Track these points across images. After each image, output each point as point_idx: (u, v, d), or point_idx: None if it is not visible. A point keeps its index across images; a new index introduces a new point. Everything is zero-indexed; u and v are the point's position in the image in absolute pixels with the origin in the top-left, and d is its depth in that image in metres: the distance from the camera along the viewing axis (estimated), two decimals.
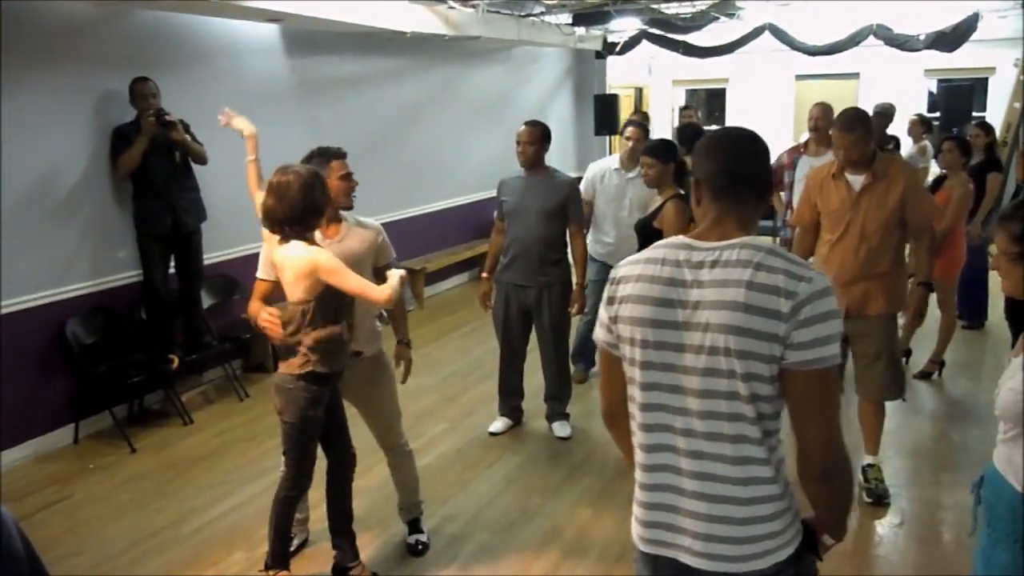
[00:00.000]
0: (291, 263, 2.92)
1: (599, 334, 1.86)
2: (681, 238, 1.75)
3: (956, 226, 5.45)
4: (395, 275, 2.94)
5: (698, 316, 1.64)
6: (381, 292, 2.89)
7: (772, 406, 1.65)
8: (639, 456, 1.79)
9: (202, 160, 5.19)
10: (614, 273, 1.83)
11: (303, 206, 2.87)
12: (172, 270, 5.33)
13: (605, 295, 1.84)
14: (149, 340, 5.20)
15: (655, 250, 1.76)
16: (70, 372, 4.90)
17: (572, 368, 5.50)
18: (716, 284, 1.63)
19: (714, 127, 6.21)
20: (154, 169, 5.02)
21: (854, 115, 3.73)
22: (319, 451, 3.26)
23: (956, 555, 3.45)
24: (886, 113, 7.31)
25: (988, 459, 2.15)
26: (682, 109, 9.43)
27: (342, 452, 3.34)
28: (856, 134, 3.66)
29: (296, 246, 2.92)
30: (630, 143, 5.16)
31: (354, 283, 2.88)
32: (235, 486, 4.30)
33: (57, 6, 4.71)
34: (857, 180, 3.73)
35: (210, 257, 5.51)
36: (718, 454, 1.66)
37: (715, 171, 1.74)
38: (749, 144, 1.76)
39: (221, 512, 4.07)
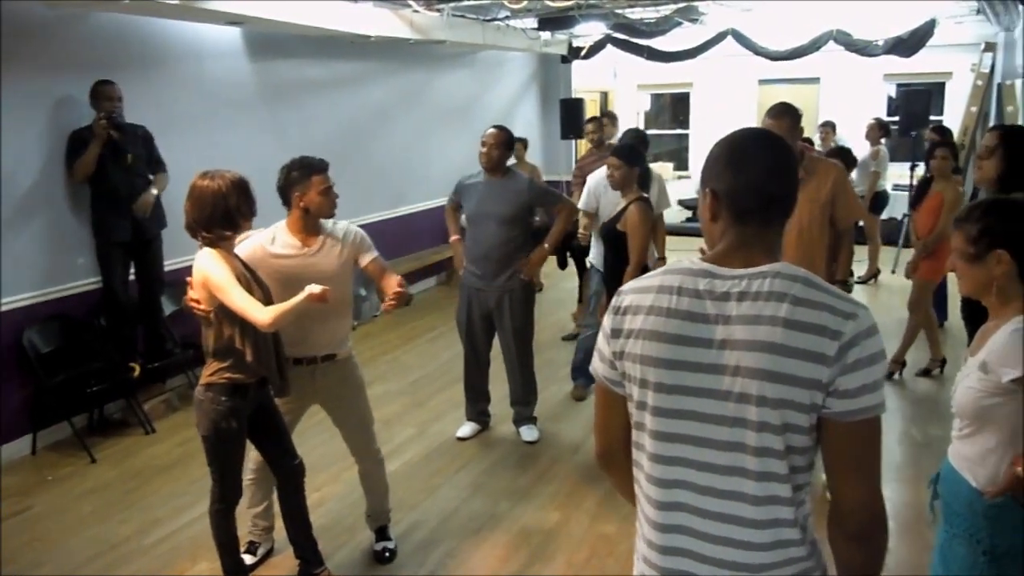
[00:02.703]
0: (194, 271, 2.91)
1: (598, 368, 1.61)
2: (699, 263, 1.49)
3: (948, 230, 5.50)
4: (307, 290, 2.86)
5: (725, 358, 1.41)
6: (264, 314, 2.81)
7: (806, 458, 1.43)
8: (648, 511, 1.55)
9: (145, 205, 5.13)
10: (618, 301, 1.56)
11: (211, 212, 2.85)
12: (132, 277, 5.25)
13: (608, 325, 1.57)
14: (109, 348, 5.11)
15: (668, 276, 1.50)
16: (27, 381, 4.80)
17: (572, 384, 5.56)
18: (746, 321, 1.40)
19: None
20: (112, 175, 4.95)
21: (782, 106, 3.86)
22: None
23: (919, 552, 3.50)
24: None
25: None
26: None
27: (284, 464, 3.27)
28: (782, 122, 3.76)
29: (202, 254, 2.90)
30: None
31: (238, 302, 2.82)
32: (199, 495, 4.20)
33: (12, 7, 4.61)
34: None
35: (171, 263, 5.42)
36: (742, 516, 1.44)
37: (741, 188, 1.47)
38: (782, 155, 1.50)
39: (185, 522, 4.01)
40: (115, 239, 5.04)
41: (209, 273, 2.85)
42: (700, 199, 1.56)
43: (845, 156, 5.42)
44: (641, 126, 13.27)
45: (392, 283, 3.30)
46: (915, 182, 8.23)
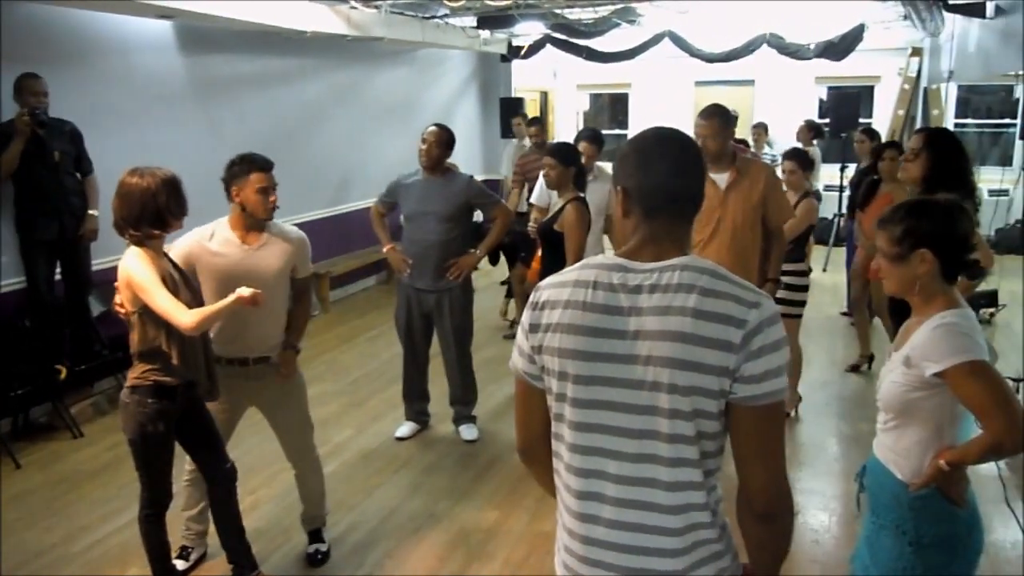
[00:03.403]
0: (119, 271, 2.84)
1: (518, 363, 1.64)
2: (613, 258, 1.55)
3: None
4: (236, 293, 2.80)
5: (638, 348, 1.46)
6: (187, 317, 2.74)
7: (716, 443, 1.49)
8: (569, 500, 1.58)
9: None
10: (536, 296, 1.60)
11: (139, 212, 2.78)
12: (59, 277, 5.09)
13: (526, 320, 1.60)
14: (35, 350, 4.94)
15: (584, 271, 1.55)
16: None
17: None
18: (657, 312, 1.45)
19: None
20: (37, 172, 4.79)
21: (713, 107, 3.93)
22: None
23: (848, 542, 3.59)
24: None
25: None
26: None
27: (214, 468, 3.19)
28: (713, 123, 3.84)
29: (128, 253, 2.83)
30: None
31: (161, 303, 2.74)
32: (129, 500, 4.08)
33: None
34: (721, 178, 3.93)
35: (99, 263, 5.27)
36: (654, 503, 1.48)
37: (650, 187, 1.52)
38: (688, 154, 1.56)
39: (115, 528, 3.90)
40: (39, 237, 4.89)
41: (132, 273, 2.77)
42: (613, 197, 1.60)
43: (802, 158, 5.52)
44: (580, 126, 13.37)
45: (302, 319, 3.49)
46: (846, 183, 8.45)
